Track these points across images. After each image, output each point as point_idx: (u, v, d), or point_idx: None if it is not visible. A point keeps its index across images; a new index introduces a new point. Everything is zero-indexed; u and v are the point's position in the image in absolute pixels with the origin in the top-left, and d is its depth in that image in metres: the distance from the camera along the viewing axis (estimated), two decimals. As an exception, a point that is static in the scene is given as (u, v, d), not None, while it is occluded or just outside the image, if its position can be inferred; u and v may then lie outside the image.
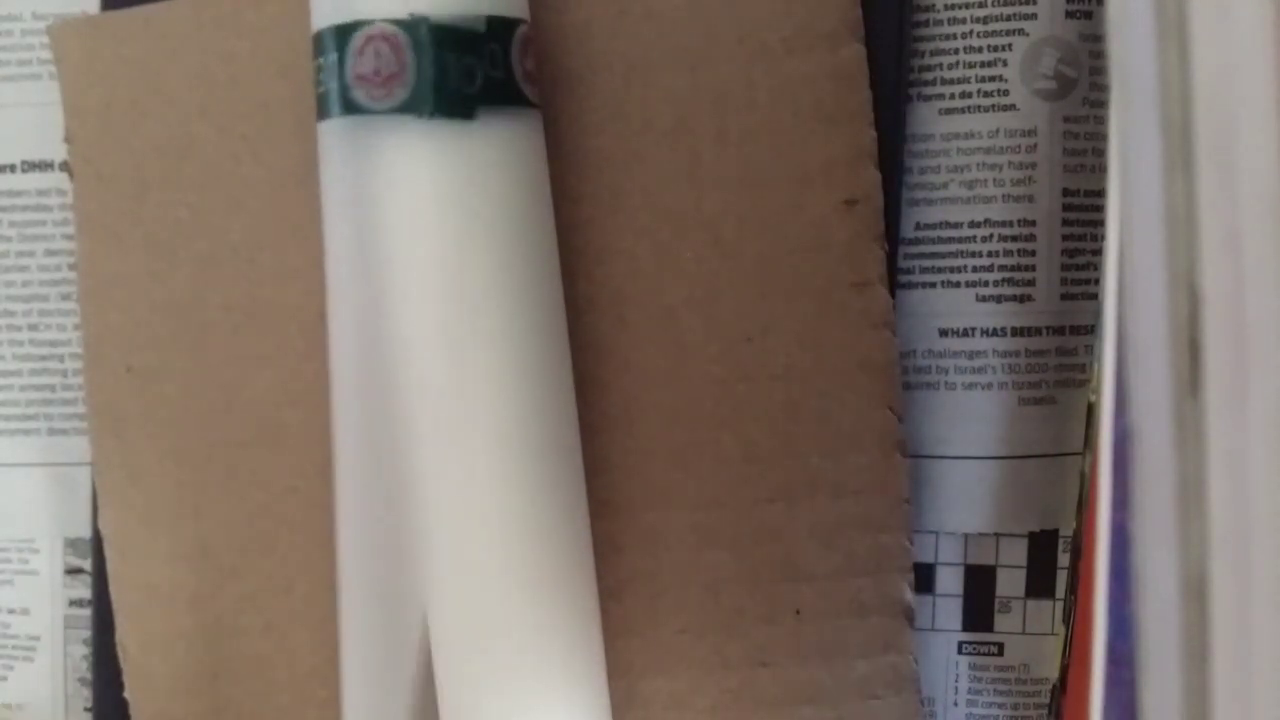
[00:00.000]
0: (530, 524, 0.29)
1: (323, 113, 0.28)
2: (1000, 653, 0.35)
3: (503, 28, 0.28)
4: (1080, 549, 0.26)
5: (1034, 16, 0.32)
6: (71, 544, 0.36)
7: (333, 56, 0.28)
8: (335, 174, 0.29)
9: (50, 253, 0.35)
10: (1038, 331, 0.33)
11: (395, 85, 0.27)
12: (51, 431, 0.36)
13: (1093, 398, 0.27)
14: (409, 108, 0.27)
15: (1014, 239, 0.33)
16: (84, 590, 0.36)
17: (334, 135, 0.28)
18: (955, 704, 0.35)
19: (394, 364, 0.28)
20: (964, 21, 0.33)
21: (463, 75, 0.27)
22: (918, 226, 0.33)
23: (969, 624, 0.35)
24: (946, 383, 0.34)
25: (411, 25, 0.27)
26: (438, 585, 0.28)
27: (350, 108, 0.28)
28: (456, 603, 0.28)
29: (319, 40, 0.28)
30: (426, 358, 0.28)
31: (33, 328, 0.35)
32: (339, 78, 0.28)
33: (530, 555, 0.29)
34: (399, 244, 0.28)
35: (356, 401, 0.29)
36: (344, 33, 0.28)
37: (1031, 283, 0.33)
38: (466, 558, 0.28)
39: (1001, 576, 0.34)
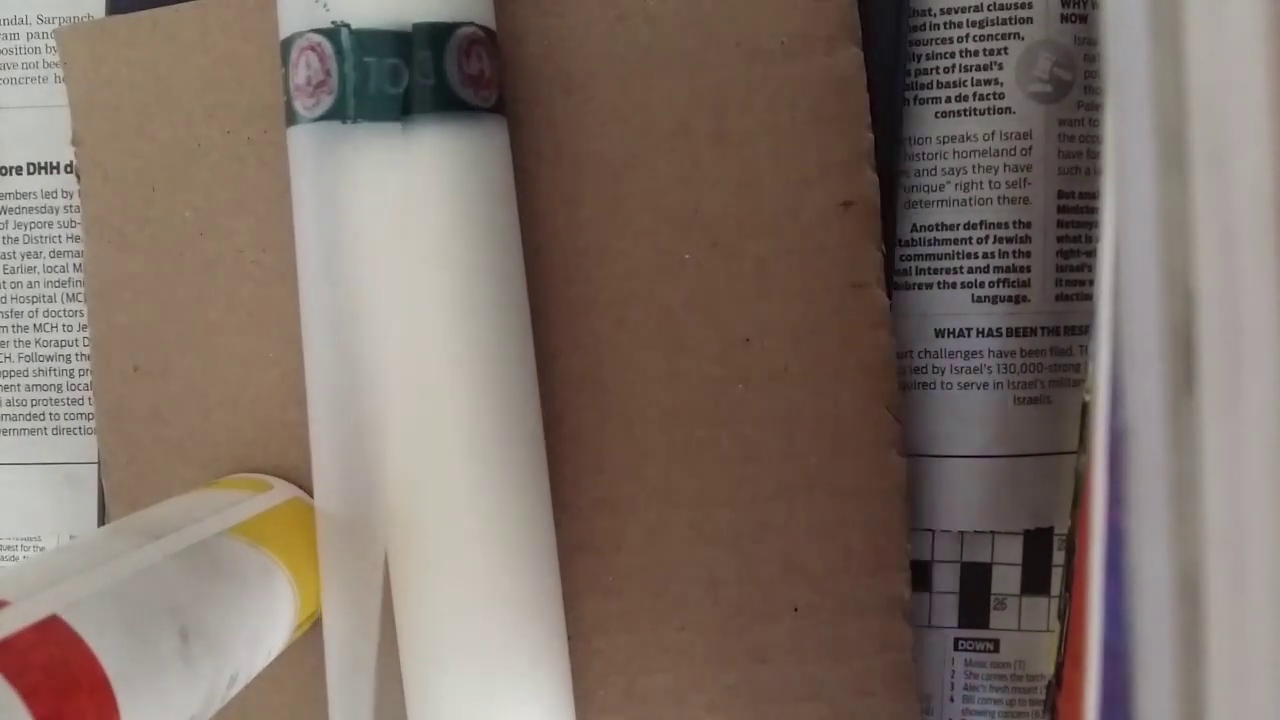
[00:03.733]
0: (493, 507, 0.29)
1: (286, 121, 0.29)
2: (996, 649, 0.35)
3: (436, 33, 0.28)
4: (1075, 546, 0.26)
5: (1029, 20, 0.32)
6: (76, 543, 0.37)
7: (283, 69, 0.29)
8: (296, 178, 0.29)
9: (56, 254, 0.35)
10: (1033, 332, 0.33)
11: (322, 93, 0.28)
12: (57, 431, 0.36)
13: (1087, 397, 0.28)
14: (334, 114, 0.28)
15: (1009, 240, 0.33)
16: (88, 589, 0.36)
17: (293, 142, 0.29)
18: (952, 700, 0.35)
19: (351, 362, 0.28)
20: (960, 25, 0.33)
21: (387, 79, 0.27)
22: (914, 228, 0.34)
23: (965, 621, 0.35)
24: (943, 382, 0.34)
25: (334, 33, 0.27)
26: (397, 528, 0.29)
27: (292, 118, 0.28)
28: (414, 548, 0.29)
29: (280, 52, 0.29)
30: (381, 358, 0.28)
31: (39, 328, 0.35)
32: (286, 89, 0.28)
33: (494, 543, 0.29)
34: (348, 248, 0.28)
35: (326, 393, 0.29)
36: (286, 46, 0.28)
37: (1027, 284, 0.33)
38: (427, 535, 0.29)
39: (997, 574, 0.35)
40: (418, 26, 0.27)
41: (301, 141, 0.28)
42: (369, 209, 0.28)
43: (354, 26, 0.27)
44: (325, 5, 0.27)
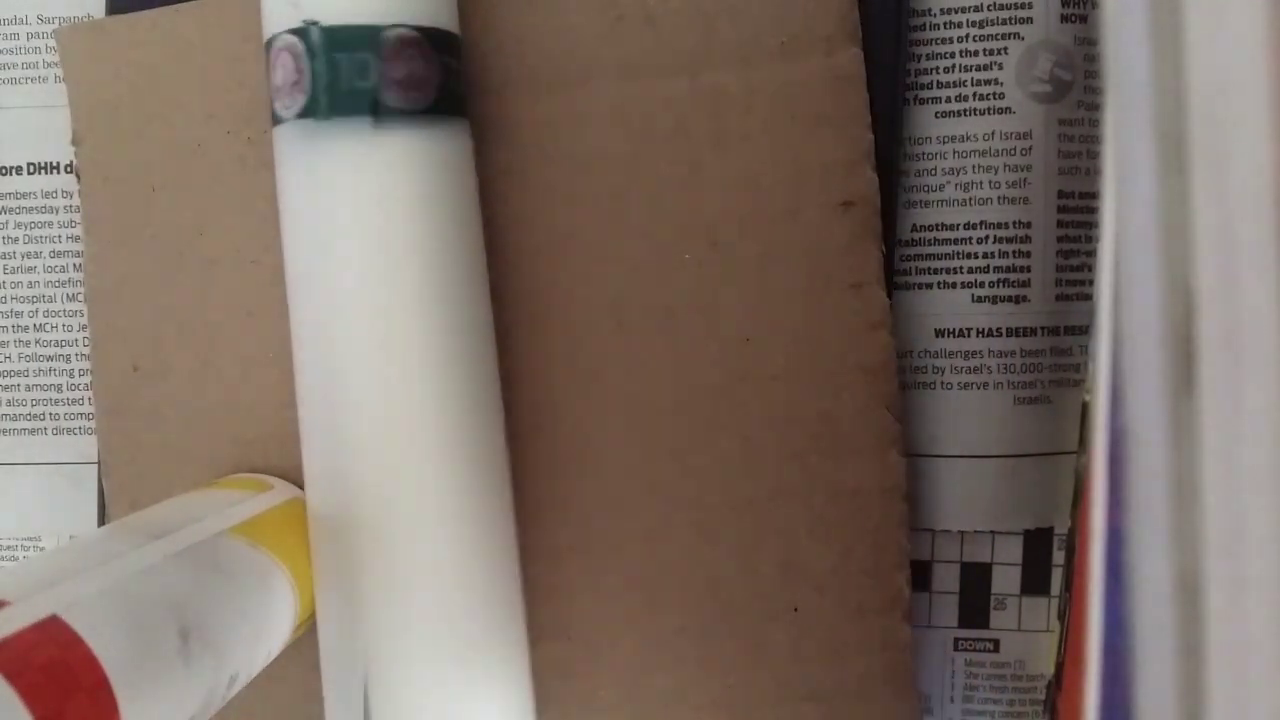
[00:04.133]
0: (454, 504, 0.29)
1: (271, 123, 0.29)
2: (996, 649, 0.35)
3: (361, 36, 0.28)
4: (1075, 547, 0.26)
5: (1029, 20, 0.32)
6: (75, 543, 0.37)
7: (265, 70, 0.29)
8: (279, 179, 0.29)
9: (56, 254, 0.35)
10: (1033, 332, 0.33)
11: (297, 92, 0.28)
12: (57, 431, 0.36)
13: (1087, 397, 0.28)
14: (308, 112, 0.28)
15: (1009, 240, 0.33)
16: (87, 589, 0.36)
17: (275, 143, 0.29)
18: (951, 700, 0.35)
19: (328, 362, 0.29)
20: (960, 25, 0.33)
21: (357, 74, 0.27)
22: (914, 228, 0.34)
23: (965, 621, 0.35)
24: (943, 382, 0.34)
25: (304, 31, 0.28)
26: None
27: (274, 119, 0.29)
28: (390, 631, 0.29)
29: (265, 55, 0.29)
30: (351, 357, 0.28)
31: (39, 328, 0.35)
32: (270, 91, 0.29)
33: (457, 567, 0.29)
34: (325, 246, 0.28)
35: (308, 391, 0.30)
36: (267, 48, 0.29)
37: (1027, 284, 0.33)
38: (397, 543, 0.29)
39: (997, 574, 0.35)
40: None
41: (282, 142, 0.29)
42: (342, 207, 0.28)
43: (323, 24, 0.27)
44: (295, 4, 0.28)
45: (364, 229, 0.28)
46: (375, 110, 0.28)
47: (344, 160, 0.28)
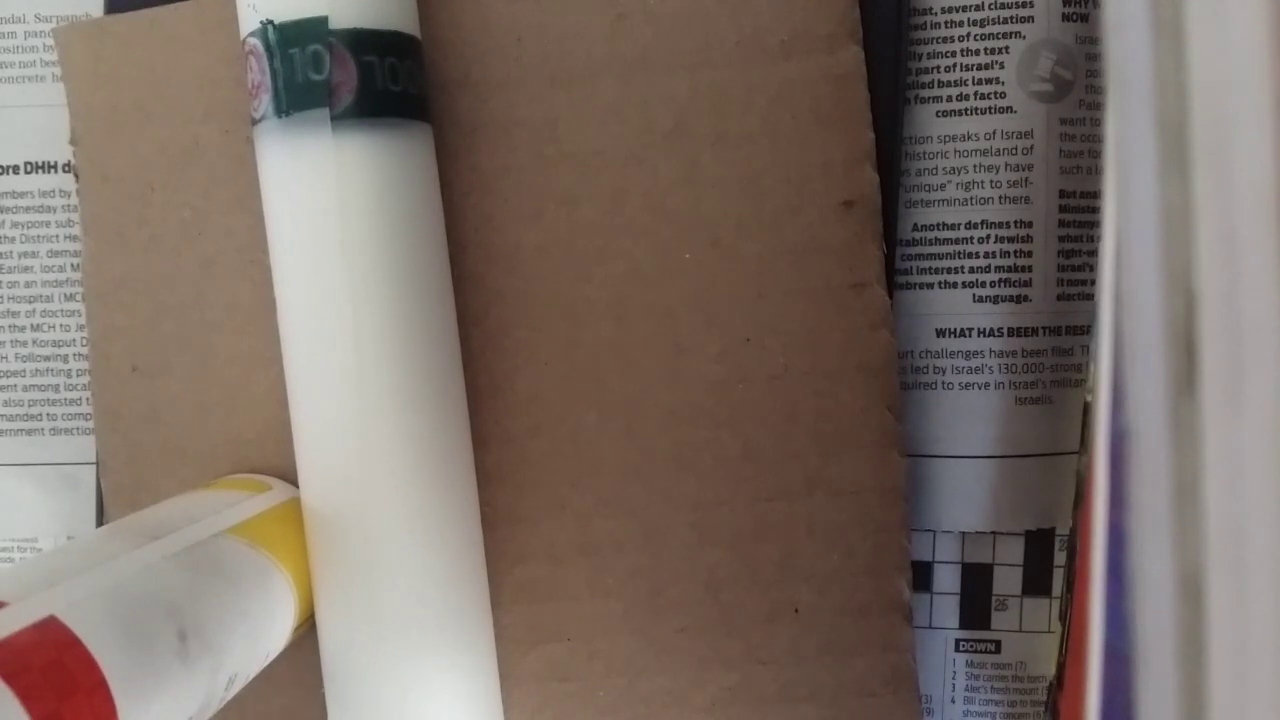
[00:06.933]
0: (416, 505, 0.29)
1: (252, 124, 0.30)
2: (997, 650, 0.35)
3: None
4: (1076, 547, 0.26)
5: (1030, 19, 0.32)
6: (74, 543, 0.37)
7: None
8: (260, 178, 0.30)
9: (54, 253, 0.35)
10: (1034, 332, 0.33)
11: (261, 92, 0.28)
12: (54, 431, 0.36)
13: (1089, 397, 0.28)
14: (273, 111, 0.28)
15: (1011, 240, 0.33)
16: (86, 589, 0.36)
17: (255, 143, 0.30)
18: (953, 701, 0.35)
19: (302, 358, 0.29)
20: (961, 24, 0.33)
21: (311, 66, 0.28)
22: (915, 227, 0.34)
23: (966, 622, 0.35)
24: (944, 382, 0.34)
25: (262, 32, 0.28)
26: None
27: (252, 121, 0.29)
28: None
29: None
30: (320, 349, 0.29)
31: (36, 328, 0.35)
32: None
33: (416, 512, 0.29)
34: (296, 245, 0.29)
35: (293, 390, 0.30)
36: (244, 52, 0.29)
37: (1028, 283, 0.33)
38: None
39: (998, 575, 0.34)
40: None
41: (258, 142, 0.29)
42: (307, 204, 0.28)
43: (277, 21, 0.28)
44: (253, 6, 0.28)
45: (327, 227, 0.28)
46: (332, 105, 0.28)
47: (306, 158, 0.28)
